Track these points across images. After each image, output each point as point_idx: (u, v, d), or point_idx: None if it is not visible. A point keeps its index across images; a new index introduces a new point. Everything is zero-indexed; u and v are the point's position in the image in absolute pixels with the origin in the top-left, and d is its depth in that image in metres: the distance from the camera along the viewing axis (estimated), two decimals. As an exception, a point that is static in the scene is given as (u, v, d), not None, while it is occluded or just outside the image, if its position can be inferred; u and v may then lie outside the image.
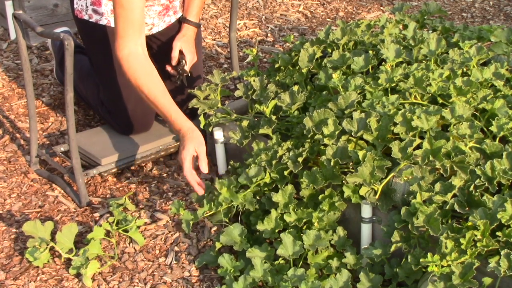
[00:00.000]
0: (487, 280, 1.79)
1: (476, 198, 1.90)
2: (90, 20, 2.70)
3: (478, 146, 2.05)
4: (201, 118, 2.63)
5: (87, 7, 2.69)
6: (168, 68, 2.79)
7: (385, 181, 2.03)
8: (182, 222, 2.28)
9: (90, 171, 2.58)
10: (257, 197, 2.28)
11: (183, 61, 2.75)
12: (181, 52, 2.76)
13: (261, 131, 2.35)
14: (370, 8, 4.39)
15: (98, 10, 2.67)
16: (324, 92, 2.46)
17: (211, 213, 2.28)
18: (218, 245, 2.19)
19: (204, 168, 2.29)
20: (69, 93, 2.38)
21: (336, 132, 2.15)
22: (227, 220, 2.27)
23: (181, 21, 2.84)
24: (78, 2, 2.71)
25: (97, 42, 2.71)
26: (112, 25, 2.68)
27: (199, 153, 2.30)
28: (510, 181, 1.94)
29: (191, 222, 2.26)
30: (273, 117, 2.37)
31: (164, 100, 2.38)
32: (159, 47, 2.87)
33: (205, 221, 2.41)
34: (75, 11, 2.74)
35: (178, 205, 2.31)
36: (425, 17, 2.94)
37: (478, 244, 1.81)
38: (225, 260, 2.11)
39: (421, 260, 1.83)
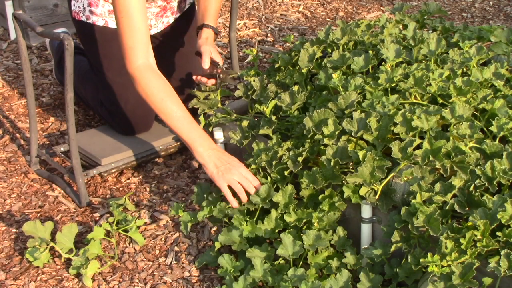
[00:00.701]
0: (487, 280, 1.79)
1: (476, 198, 1.90)
2: (88, 21, 2.70)
3: (478, 146, 2.05)
4: (201, 118, 2.63)
5: (84, 8, 2.69)
6: (203, 79, 2.65)
7: (385, 181, 2.03)
8: (181, 224, 2.28)
9: (90, 171, 2.58)
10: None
11: (219, 64, 2.61)
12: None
13: (261, 131, 2.35)
14: (370, 8, 4.39)
15: (95, 11, 2.67)
16: (324, 92, 2.46)
17: (209, 215, 2.29)
18: (217, 245, 2.19)
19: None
20: (69, 93, 2.38)
21: (336, 132, 2.15)
22: (227, 220, 2.27)
23: (198, 29, 2.72)
24: (75, 4, 2.71)
25: (95, 43, 2.71)
26: (110, 26, 2.68)
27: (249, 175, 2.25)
28: (510, 181, 1.94)
29: (189, 224, 2.26)
30: (273, 117, 2.36)
31: (189, 121, 2.31)
32: (158, 47, 2.86)
33: (205, 221, 2.41)
34: (72, 13, 2.74)
35: (177, 207, 2.31)
36: (425, 17, 2.94)
37: (478, 244, 1.81)
38: (224, 260, 2.11)
39: (421, 260, 1.83)
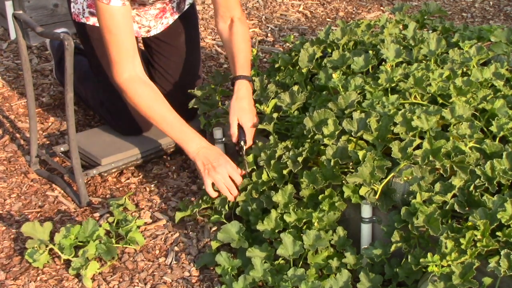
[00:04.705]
0: (487, 280, 1.79)
1: (476, 198, 1.90)
2: (88, 23, 2.70)
3: (478, 146, 2.05)
4: (201, 118, 2.63)
5: (83, 10, 2.69)
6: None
7: (385, 181, 2.03)
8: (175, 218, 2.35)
9: (90, 171, 2.58)
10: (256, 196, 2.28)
11: (242, 141, 2.37)
12: (239, 126, 2.40)
13: (260, 126, 2.35)
14: (370, 8, 4.39)
15: (95, 12, 2.67)
16: (324, 92, 2.46)
17: (204, 207, 2.35)
18: (216, 244, 2.19)
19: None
20: (69, 93, 2.38)
21: (336, 132, 2.15)
22: (224, 220, 2.27)
23: (232, 83, 2.51)
24: (75, 6, 2.71)
25: (95, 43, 2.71)
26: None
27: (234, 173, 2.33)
28: (510, 181, 1.94)
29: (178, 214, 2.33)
30: (275, 115, 2.36)
31: (179, 123, 2.39)
32: (158, 46, 2.87)
33: (205, 221, 2.41)
34: (72, 15, 2.74)
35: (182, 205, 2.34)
36: (425, 17, 2.94)
37: (478, 244, 1.81)
38: (222, 258, 2.11)
39: (421, 260, 1.83)
